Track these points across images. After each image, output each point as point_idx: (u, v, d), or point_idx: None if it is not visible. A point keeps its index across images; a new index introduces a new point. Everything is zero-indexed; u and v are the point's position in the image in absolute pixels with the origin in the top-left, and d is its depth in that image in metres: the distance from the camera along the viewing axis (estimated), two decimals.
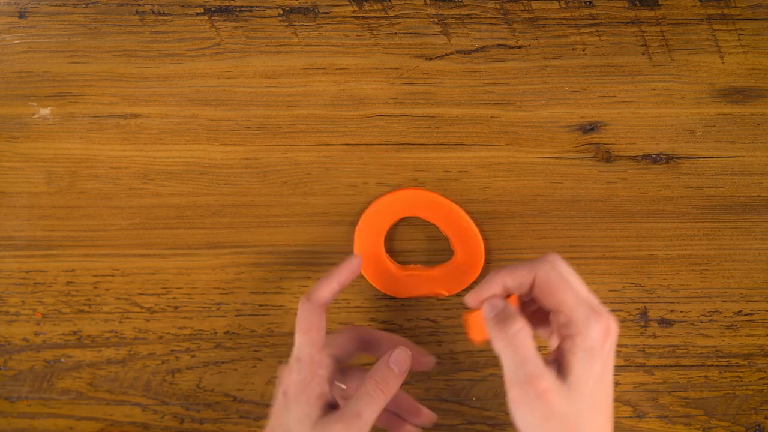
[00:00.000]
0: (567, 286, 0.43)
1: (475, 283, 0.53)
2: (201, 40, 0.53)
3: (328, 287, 0.47)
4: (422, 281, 0.53)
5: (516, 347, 0.41)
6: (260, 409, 0.55)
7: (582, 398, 0.41)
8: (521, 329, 0.42)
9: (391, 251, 0.54)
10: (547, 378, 0.41)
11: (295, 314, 0.54)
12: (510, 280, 0.43)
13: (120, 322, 0.55)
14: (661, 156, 0.53)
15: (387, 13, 0.52)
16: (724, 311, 0.54)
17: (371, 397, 0.44)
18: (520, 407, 0.41)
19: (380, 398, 0.45)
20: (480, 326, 0.44)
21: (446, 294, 0.53)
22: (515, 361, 0.41)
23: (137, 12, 0.52)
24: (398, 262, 0.54)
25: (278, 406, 0.47)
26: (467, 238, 0.52)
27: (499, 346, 0.42)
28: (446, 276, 0.53)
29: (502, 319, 0.42)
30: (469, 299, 0.44)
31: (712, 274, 0.54)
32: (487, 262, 0.54)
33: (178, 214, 0.54)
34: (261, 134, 0.53)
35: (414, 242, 0.54)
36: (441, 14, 0.52)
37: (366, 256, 0.53)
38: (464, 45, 0.52)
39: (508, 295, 0.44)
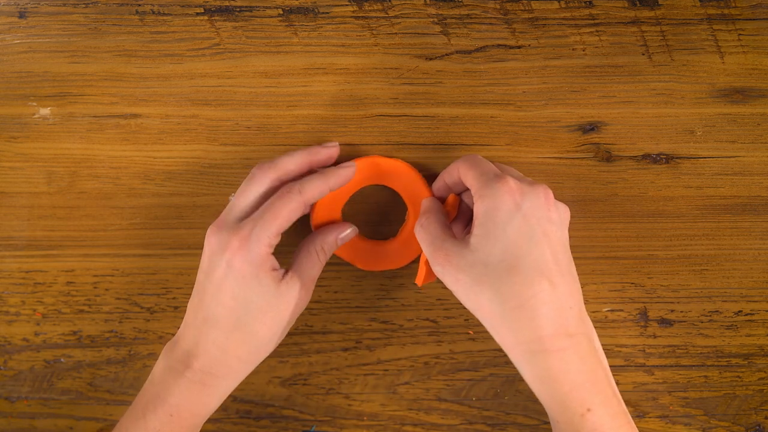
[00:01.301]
0: (473, 166, 0.46)
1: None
2: (201, 40, 0.53)
3: (320, 190, 0.48)
4: (380, 252, 0.53)
5: (426, 229, 0.46)
6: (260, 408, 0.55)
7: (483, 255, 0.43)
8: (431, 215, 0.47)
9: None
10: (448, 245, 0.45)
11: None
12: (447, 177, 0.49)
13: (120, 322, 0.55)
14: (661, 156, 0.53)
15: (387, 13, 0.52)
16: (724, 311, 0.54)
17: (319, 261, 0.49)
18: (442, 278, 0.45)
19: (324, 260, 0.49)
20: (422, 271, 0.49)
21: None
22: (427, 241, 0.46)
23: (137, 12, 0.52)
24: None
25: (221, 273, 0.45)
26: (421, 199, 0.52)
27: (418, 236, 0.47)
28: (401, 246, 0.53)
29: (421, 213, 0.48)
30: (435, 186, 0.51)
31: (712, 274, 0.54)
32: None
33: (178, 214, 0.54)
34: (261, 134, 0.53)
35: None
36: (441, 14, 0.52)
37: (324, 223, 0.52)
38: (464, 45, 0.52)
39: (457, 194, 0.50)
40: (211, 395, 0.46)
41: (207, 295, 0.46)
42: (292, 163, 0.48)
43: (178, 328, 0.55)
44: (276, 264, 0.46)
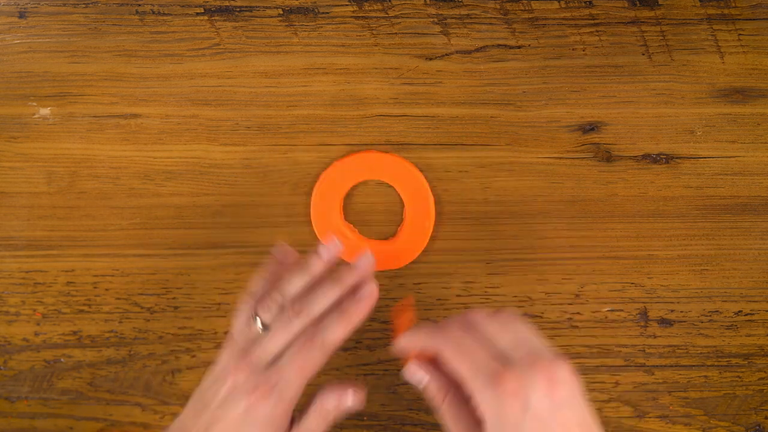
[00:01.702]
0: (463, 355, 0.42)
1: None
2: (201, 40, 0.53)
3: (343, 333, 0.46)
4: (380, 252, 0.53)
5: (449, 420, 0.44)
6: None
7: None
8: (450, 399, 0.44)
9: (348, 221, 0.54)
10: None
11: None
12: (423, 346, 0.44)
13: (120, 322, 0.55)
14: (661, 156, 0.53)
15: (387, 13, 0.52)
16: (724, 311, 0.54)
17: (324, 418, 0.46)
18: None
19: (330, 418, 0.46)
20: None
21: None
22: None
23: (137, 12, 0.52)
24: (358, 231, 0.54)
25: (238, 415, 0.44)
26: (419, 198, 0.53)
27: (444, 421, 0.44)
28: (401, 246, 0.53)
29: (437, 394, 0.44)
30: (397, 347, 0.46)
31: (712, 274, 0.54)
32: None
33: (178, 214, 0.54)
34: (261, 134, 0.53)
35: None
36: (441, 14, 0.52)
37: (323, 222, 0.53)
38: (464, 45, 0.52)
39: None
40: None
41: (217, 428, 0.45)
42: (326, 304, 0.46)
43: (178, 328, 0.55)
44: (289, 417, 0.46)
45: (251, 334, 0.46)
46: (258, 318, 0.46)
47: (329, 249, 0.47)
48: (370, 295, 0.46)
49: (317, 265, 0.47)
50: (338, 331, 0.45)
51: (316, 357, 0.45)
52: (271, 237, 0.54)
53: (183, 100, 0.53)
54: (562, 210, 0.54)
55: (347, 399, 0.47)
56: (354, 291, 0.47)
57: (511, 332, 0.43)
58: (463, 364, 0.42)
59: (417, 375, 0.45)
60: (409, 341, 0.45)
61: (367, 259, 0.47)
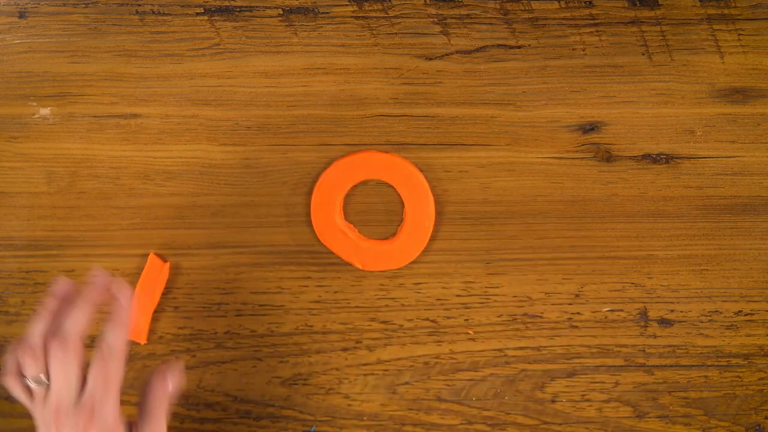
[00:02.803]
0: None
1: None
2: (201, 40, 0.53)
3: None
4: (380, 252, 0.54)
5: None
6: (260, 408, 0.55)
7: None
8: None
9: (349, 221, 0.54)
10: None
11: (296, 314, 0.54)
12: None
13: None
14: (661, 156, 0.53)
15: (387, 13, 0.52)
16: (724, 311, 0.54)
17: (159, 420, 0.47)
18: None
19: (165, 413, 0.47)
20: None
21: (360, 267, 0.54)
22: None
23: (137, 12, 0.52)
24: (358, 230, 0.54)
25: None
26: (419, 198, 0.53)
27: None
28: (401, 246, 0.54)
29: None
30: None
31: (712, 274, 0.54)
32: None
33: (178, 214, 0.54)
34: (261, 134, 0.53)
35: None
36: (441, 14, 0.52)
37: (323, 222, 0.53)
38: (464, 45, 0.52)
39: None
40: None
41: None
42: (80, 323, 0.46)
43: (179, 328, 0.55)
44: (123, 425, 0.46)
45: (39, 394, 0.46)
46: (28, 380, 0.45)
47: (97, 279, 0.47)
48: (122, 290, 0.46)
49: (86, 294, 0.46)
50: (118, 335, 0.46)
51: (114, 367, 0.45)
52: (271, 237, 0.54)
53: (183, 100, 0.53)
54: (562, 210, 0.54)
55: (167, 387, 0.48)
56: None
57: None
58: None
59: None
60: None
61: (96, 272, 0.47)
